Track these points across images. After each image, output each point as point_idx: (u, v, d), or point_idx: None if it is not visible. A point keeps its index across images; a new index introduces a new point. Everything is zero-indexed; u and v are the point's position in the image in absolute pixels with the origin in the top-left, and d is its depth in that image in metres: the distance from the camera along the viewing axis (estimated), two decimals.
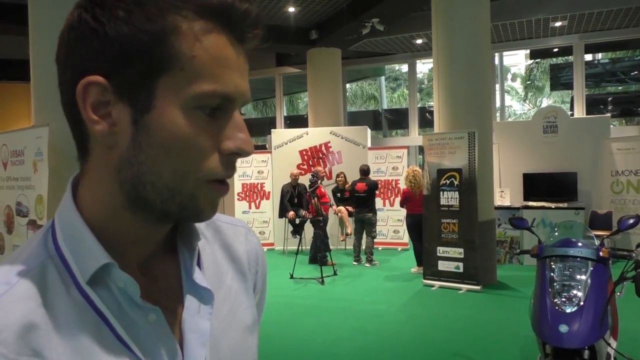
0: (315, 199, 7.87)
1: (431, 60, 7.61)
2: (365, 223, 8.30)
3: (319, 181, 8.32)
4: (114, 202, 0.58)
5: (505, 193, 8.62)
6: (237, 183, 10.36)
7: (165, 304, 0.61)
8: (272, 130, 10.83)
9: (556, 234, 3.66)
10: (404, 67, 17.60)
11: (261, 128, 15.42)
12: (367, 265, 8.31)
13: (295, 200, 8.87)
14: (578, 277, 3.15)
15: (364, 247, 8.44)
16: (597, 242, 3.40)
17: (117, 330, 0.56)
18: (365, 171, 8.45)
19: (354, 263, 8.45)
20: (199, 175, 0.55)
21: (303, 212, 8.65)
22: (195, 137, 0.54)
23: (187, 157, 0.55)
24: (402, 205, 8.04)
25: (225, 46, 0.55)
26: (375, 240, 8.58)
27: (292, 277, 7.40)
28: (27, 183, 4.54)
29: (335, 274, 7.53)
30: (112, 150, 0.56)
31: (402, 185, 9.82)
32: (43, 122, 4.52)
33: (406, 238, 9.84)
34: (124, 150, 0.55)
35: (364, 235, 8.43)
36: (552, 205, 8.24)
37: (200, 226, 0.70)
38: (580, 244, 3.30)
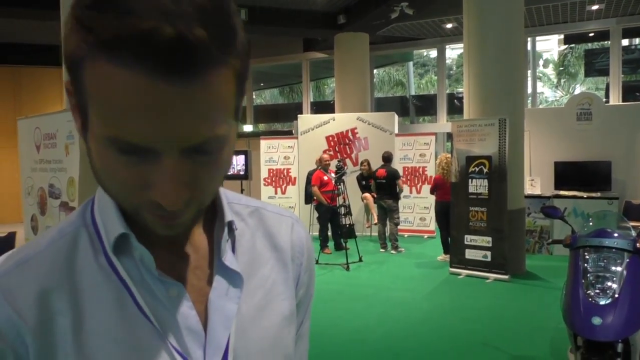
0: (342, 185, 7.83)
1: (461, 45, 7.46)
2: (387, 210, 8.26)
3: (346, 168, 8.29)
4: None
5: (535, 181, 8.44)
6: (264, 168, 10.40)
7: (193, 282, 0.61)
8: (299, 115, 10.80)
9: (590, 223, 3.56)
10: (432, 53, 17.31)
11: (288, 114, 15.43)
12: (392, 252, 8.27)
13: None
14: (613, 268, 3.06)
15: (388, 233, 8.40)
16: (634, 232, 3.30)
17: (137, 299, 0.57)
18: (386, 158, 8.38)
19: (381, 250, 8.43)
20: (137, 195, 0.52)
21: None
22: (117, 169, 0.51)
23: (117, 185, 0.53)
24: (432, 192, 7.94)
25: (133, 89, 0.45)
26: (399, 226, 8.52)
27: (317, 262, 7.43)
28: (59, 165, 4.63)
29: (360, 260, 7.52)
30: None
31: (430, 172, 9.75)
32: None
33: (432, 225, 9.76)
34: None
35: (388, 222, 8.39)
36: (584, 194, 8.03)
37: (243, 212, 0.70)
38: (616, 235, 3.21)
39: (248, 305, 0.64)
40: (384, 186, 8.21)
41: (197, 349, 0.58)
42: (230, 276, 0.62)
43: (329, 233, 8.34)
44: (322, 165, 8.22)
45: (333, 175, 7.97)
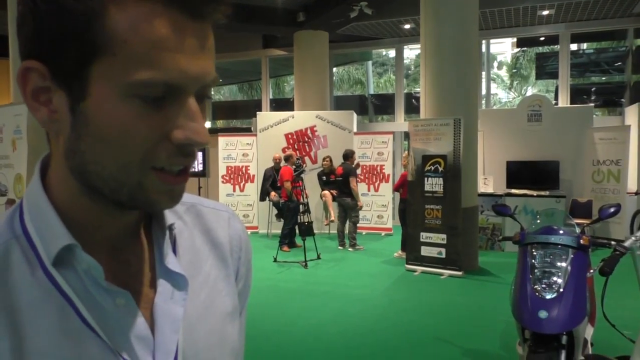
0: (301, 182, 7.85)
1: (419, 46, 7.59)
2: (345, 207, 8.34)
3: (305, 166, 8.32)
4: (71, 187, 0.56)
5: (488, 180, 8.69)
6: (222, 165, 10.29)
7: (137, 288, 0.59)
8: (258, 113, 10.74)
9: (538, 221, 3.70)
10: (391, 53, 17.54)
11: (247, 110, 15.29)
12: (350, 249, 8.35)
13: (278, 184, 8.84)
14: (558, 264, 3.19)
15: (347, 231, 8.48)
16: (578, 229, 3.45)
17: (82, 313, 0.54)
18: (344, 155, 8.45)
19: (339, 247, 8.49)
20: (143, 165, 0.52)
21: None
22: (136, 126, 0.50)
23: (129, 147, 0.51)
24: (397, 190, 8.03)
25: (168, 27, 0.49)
26: (358, 225, 8.61)
27: (275, 260, 7.41)
28: (6, 162, 4.45)
29: (319, 257, 7.55)
30: (58, 137, 0.54)
31: (387, 171, 9.89)
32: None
33: (390, 223, 9.91)
34: (67, 139, 0.53)
35: (347, 220, 8.47)
36: (534, 193, 8.33)
37: (180, 210, 0.68)
38: (561, 232, 3.34)
39: (193, 305, 0.63)
40: (341, 184, 8.27)
41: (147, 356, 0.56)
42: (174, 279, 0.61)
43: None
44: (292, 162, 8.25)
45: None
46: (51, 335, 0.52)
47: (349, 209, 8.28)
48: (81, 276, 0.55)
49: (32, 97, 0.53)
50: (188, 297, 0.61)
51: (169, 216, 0.63)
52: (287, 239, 8.27)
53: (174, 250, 0.63)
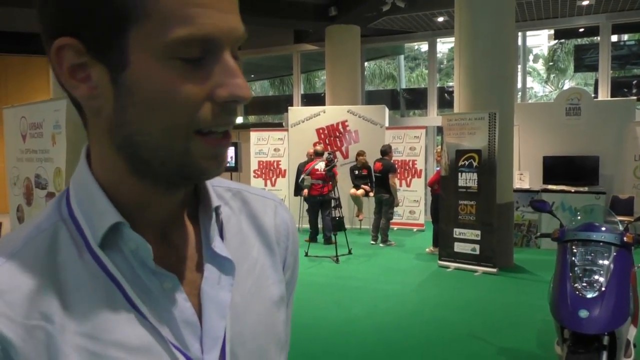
0: (332, 177, 7.83)
1: (451, 39, 7.46)
2: (382, 203, 8.28)
3: (336, 160, 8.29)
4: (117, 167, 0.55)
5: (524, 176, 8.50)
6: (253, 160, 10.36)
7: (184, 273, 0.59)
8: (289, 108, 10.77)
9: (578, 217, 3.59)
10: (423, 47, 17.31)
11: (278, 106, 15.36)
12: (381, 245, 8.30)
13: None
14: (600, 262, 3.09)
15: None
16: (621, 227, 3.33)
17: (130, 295, 0.54)
18: (382, 151, 8.38)
19: (371, 242, 8.46)
20: (189, 130, 0.51)
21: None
22: (179, 88, 0.50)
23: (173, 111, 0.50)
24: (431, 185, 7.93)
25: None
26: (387, 221, 8.54)
27: (307, 255, 7.42)
28: (46, 155, 4.56)
29: (350, 252, 7.53)
30: (100, 114, 0.53)
31: (419, 166, 9.77)
32: (61, 95, 4.53)
33: (422, 219, 9.81)
34: (110, 113, 0.52)
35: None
36: (572, 189, 8.10)
37: (226, 196, 0.68)
38: (603, 229, 3.23)
39: (240, 291, 0.62)
40: (380, 180, 8.23)
41: (194, 341, 0.56)
42: (221, 263, 0.60)
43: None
44: (307, 159, 8.35)
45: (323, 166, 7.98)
46: (100, 317, 0.52)
47: (386, 205, 8.24)
48: (128, 258, 0.55)
49: (70, 75, 0.52)
50: (235, 283, 0.60)
51: (216, 200, 0.62)
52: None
53: (221, 235, 0.63)
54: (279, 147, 10.33)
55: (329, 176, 7.87)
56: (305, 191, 8.28)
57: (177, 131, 0.51)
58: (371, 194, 8.91)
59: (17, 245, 0.53)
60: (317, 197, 8.14)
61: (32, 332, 0.50)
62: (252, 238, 0.67)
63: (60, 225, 0.56)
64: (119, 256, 0.55)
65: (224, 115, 0.52)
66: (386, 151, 8.39)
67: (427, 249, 7.83)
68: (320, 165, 8.10)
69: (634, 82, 11.95)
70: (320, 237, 8.43)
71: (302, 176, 8.33)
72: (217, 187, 0.68)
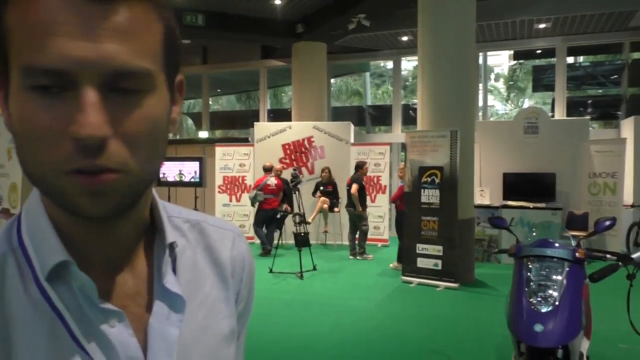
0: (297, 193, 7.86)
1: (415, 57, 7.62)
2: (351, 217, 8.49)
3: (301, 177, 8.34)
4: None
5: (485, 192, 8.70)
6: (218, 175, 10.28)
7: (133, 308, 0.58)
8: (255, 123, 10.76)
9: (534, 234, 3.70)
10: (389, 64, 17.64)
11: (244, 121, 15.33)
12: (358, 257, 8.57)
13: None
14: (554, 277, 3.18)
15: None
16: (573, 242, 3.44)
17: (73, 331, 0.53)
18: (356, 166, 8.66)
19: (350, 257, 8.64)
20: (53, 166, 0.48)
21: (284, 207, 8.66)
22: (35, 121, 0.47)
23: (35, 145, 0.48)
24: (394, 201, 8.07)
25: (54, 9, 0.46)
26: (361, 234, 8.67)
27: (271, 271, 7.38)
28: (1, 171, 4.43)
29: (314, 268, 7.52)
30: None
31: (384, 182, 9.88)
32: None
33: (386, 234, 9.89)
34: None
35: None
36: (531, 205, 8.33)
37: (184, 227, 0.67)
38: (557, 245, 3.33)
39: (190, 326, 0.61)
40: (349, 194, 8.40)
41: None
42: (171, 299, 0.59)
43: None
44: (277, 172, 8.67)
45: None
46: (39, 352, 0.51)
47: (354, 218, 8.38)
48: (75, 293, 0.54)
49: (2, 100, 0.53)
50: (185, 319, 0.59)
51: (172, 234, 0.62)
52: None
53: (174, 269, 0.62)
54: (245, 162, 10.29)
55: (292, 192, 7.98)
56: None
57: (43, 166, 0.49)
58: (336, 209, 9.08)
59: None
60: (269, 211, 8.41)
61: None
62: (207, 271, 0.67)
63: (9, 255, 0.55)
64: (66, 290, 0.54)
65: (77, 155, 0.48)
66: (358, 166, 8.59)
67: (391, 265, 7.90)
68: (272, 181, 8.47)
69: (589, 101, 12.45)
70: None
71: (254, 192, 8.64)
72: (176, 218, 0.67)
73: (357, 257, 8.57)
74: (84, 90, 0.47)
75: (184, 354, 0.59)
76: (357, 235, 8.67)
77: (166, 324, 0.58)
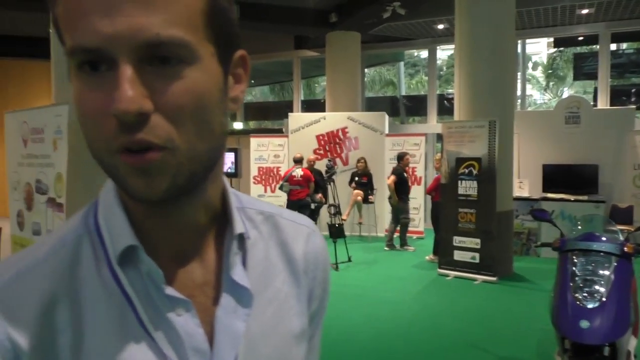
0: (332, 184, 7.86)
1: (451, 46, 7.49)
2: (393, 210, 8.52)
3: (336, 167, 8.34)
4: None
5: (524, 184, 8.51)
6: (253, 166, 10.37)
7: (200, 298, 0.58)
8: (289, 114, 10.78)
9: (579, 227, 3.59)
10: (423, 54, 17.36)
11: (278, 112, 15.38)
12: (399, 248, 8.59)
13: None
14: (601, 272, 3.09)
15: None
16: (621, 237, 3.33)
17: (140, 316, 0.53)
18: (397, 157, 8.62)
19: (385, 248, 8.65)
20: (103, 144, 0.49)
21: (319, 197, 8.67)
22: (84, 100, 0.49)
23: (88, 124, 0.49)
24: (429, 193, 7.96)
25: None
26: (401, 226, 8.66)
27: None
28: (47, 161, 4.56)
29: (349, 260, 7.52)
30: None
31: (419, 173, 9.78)
32: (63, 100, 4.53)
33: (422, 226, 9.81)
34: None
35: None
36: (572, 197, 8.11)
37: (257, 219, 0.66)
38: (603, 239, 3.24)
39: (257, 322, 0.60)
40: (389, 186, 8.39)
41: None
42: (239, 292, 0.58)
43: None
44: (310, 165, 8.74)
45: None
46: (109, 336, 0.52)
47: (395, 210, 8.40)
48: (144, 278, 0.54)
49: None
50: (253, 313, 0.59)
51: (242, 225, 0.61)
52: None
53: (244, 262, 0.61)
54: (279, 154, 10.34)
55: (325, 183, 7.96)
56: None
57: (100, 145, 0.49)
58: (370, 197, 9.19)
59: (40, 257, 0.54)
60: (295, 202, 8.37)
61: (44, 343, 0.50)
62: (279, 266, 0.65)
63: (85, 238, 0.56)
64: (135, 275, 0.54)
65: (122, 131, 0.47)
66: (399, 157, 8.55)
67: (426, 257, 7.82)
68: (297, 172, 8.44)
69: (633, 90, 11.98)
70: None
71: (281, 182, 8.65)
72: (249, 209, 0.67)
73: (398, 249, 8.56)
74: (121, 66, 0.47)
75: (250, 349, 0.58)
76: (397, 228, 8.61)
77: (233, 317, 0.57)
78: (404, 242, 8.63)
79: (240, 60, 0.58)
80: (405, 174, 8.50)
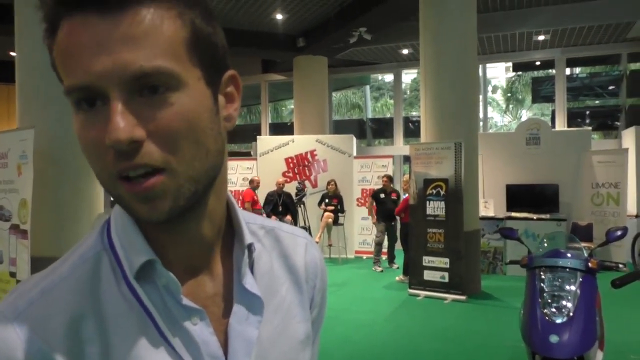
0: (302, 206, 7.87)
1: (415, 70, 7.70)
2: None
3: (306, 190, 8.36)
4: None
5: (489, 204, 8.71)
6: None
7: (213, 307, 0.61)
8: (258, 137, 10.79)
9: (545, 244, 3.70)
10: (387, 77, 17.74)
11: (245, 135, 15.36)
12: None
13: (280, 208, 8.85)
14: (567, 287, 3.18)
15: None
16: (585, 252, 3.45)
17: (161, 327, 0.56)
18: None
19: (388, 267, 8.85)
20: (105, 174, 0.53)
21: (287, 219, 8.66)
22: (83, 135, 0.52)
23: (90, 156, 0.53)
24: (398, 214, 8.01)
25: (73, 32, 0.50)
26: (375, 246, 8.81)
27: None
28: (10, 186, 4.43)
29: None
30: None
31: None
32: (28, 124, 4.43)
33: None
34: None
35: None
36: (535, 216, 8.34)
37: (259, 233, 0.70)
38: (569, 255, 3.34)
39: (268, 329, 0.63)
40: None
41: None
42: (250, 300, 0.62)
43: None
44: (253, 185, 9.09)
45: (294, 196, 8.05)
46: (133, 346, 0.55)
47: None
48: (160, 291, 0.57)
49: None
50: (263, 320, 0.62)
51: (249, 237, 0.64)
52: None
53: (252, 272, 0.65)
54: (248, 176, 10.30)
55: (298, 206, 7.94)
56: (274, 218, 8.46)
57: (103, 175, 0.53)
58: (341, 215, 9.26)
59: (63, 274, 0.57)
60: None
61: (74, 354, 0.53)
62: (282, 276, 0.69)
63: (103, 254, 0.59)
64: (152, 289, 0.57)
65: (119, 159, 0.51)
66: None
67: (397, 278, 7.88)
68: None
69: (587, 112, 12.53)
70: None
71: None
72: (252, 224, 0.70)
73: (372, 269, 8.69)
74: (112, 100, 0.50)
75: (262, 355, 0.62)
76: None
77: (245, 324, 0.61)
78: (376, 261, 8.71)
79: (231, 80, 0.62)
80: (380, 195, 8.64)
